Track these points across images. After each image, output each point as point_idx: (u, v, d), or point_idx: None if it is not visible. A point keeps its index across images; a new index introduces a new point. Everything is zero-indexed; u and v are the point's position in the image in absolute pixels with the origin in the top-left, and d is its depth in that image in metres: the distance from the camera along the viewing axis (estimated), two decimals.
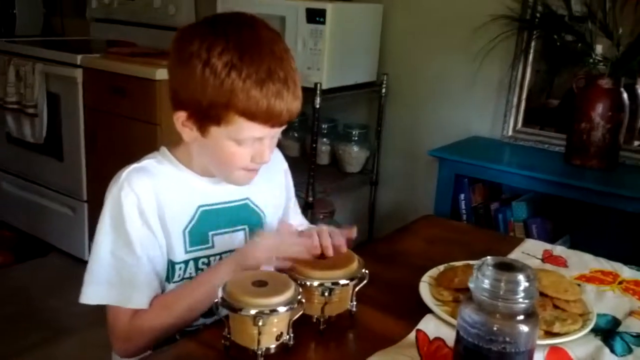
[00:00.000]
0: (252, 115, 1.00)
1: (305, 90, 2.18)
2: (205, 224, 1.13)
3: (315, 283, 0.99)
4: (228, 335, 0.94)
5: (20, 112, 2.88)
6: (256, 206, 1.20)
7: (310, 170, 2.29)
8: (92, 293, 1.06)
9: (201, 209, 1.13)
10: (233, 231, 1.16)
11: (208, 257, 1.14)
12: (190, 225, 1.11)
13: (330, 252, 1.05)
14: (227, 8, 2.37)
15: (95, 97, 2.70)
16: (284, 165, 1.30)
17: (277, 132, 1.08)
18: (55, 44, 3.08)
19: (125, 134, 2.59)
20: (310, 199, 2.29)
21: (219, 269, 1.07)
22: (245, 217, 1.18)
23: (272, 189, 1.25)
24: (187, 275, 1.12)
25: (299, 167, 2.42)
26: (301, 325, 0.97)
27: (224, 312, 0.92)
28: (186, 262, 1.11)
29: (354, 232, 1.10)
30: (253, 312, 0.89)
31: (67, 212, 2.93)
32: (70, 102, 2.77)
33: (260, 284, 0.94)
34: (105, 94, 2.64)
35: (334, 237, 1.06)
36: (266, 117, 1.01)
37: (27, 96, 2.83)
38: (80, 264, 2.82)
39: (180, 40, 1.04)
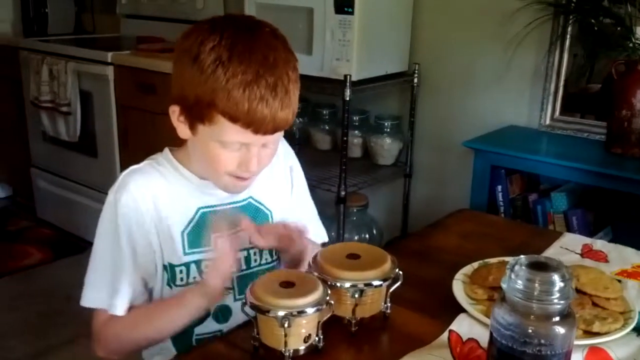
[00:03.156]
0: (233, 117, 0.97)
1: (334, 82, 2.19)
2: (207, 226, 1.10)
3: (347, 284, 0.97)
4: (257, 336, 0.93)
5: (55, 110, 2.93)
6: (260, 204, 1.17)
7: (342, 164, 2.26)
8: (91, 296, 1.08)
9: (201, 210, 1.10)
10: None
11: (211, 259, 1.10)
12: (190, 228, 1.09)
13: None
14: (254, 1, 2.36)
15: (127, 94, 2.72)
16: (290, 161, 1.25)
17: (266, 141, 1.03)
18: (86, 42, 3.13)
19: (156, 130, 2.59)
20: (343, 192, 2.27)
21: (184, 299, 1.04)
22: (250, 216, 1.14)
23: (277, 185, 1.21)
24: (190, 279, 1.10)
25: (331, 161, 2.41)
26: (333, 327, 0.95)
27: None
28: (187, 265, 1.09)
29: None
30: (280, 313, 0.87)
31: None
32: (103, 100, 2.80)
33: (288, 284, 0.93)
34: (136, 90, 2.66)
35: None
36: (247, 121, 0.97)
37: (61, 95, 2.87)
38: None
39: (182, 37, 1.03)
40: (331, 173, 2.34)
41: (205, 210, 1.11)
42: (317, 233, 1.27)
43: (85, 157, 2.97)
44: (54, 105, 2.92)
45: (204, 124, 1.00)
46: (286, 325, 0.87)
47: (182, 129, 1.05)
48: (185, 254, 1.09)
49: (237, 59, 0.96)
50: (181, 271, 1.09)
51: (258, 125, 0.98)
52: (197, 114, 1.00)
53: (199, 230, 1.10)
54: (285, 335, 0.89)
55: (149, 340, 1.09)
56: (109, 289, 1.06)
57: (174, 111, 1.04)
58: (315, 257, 1.03)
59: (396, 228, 2.62)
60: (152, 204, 1.06)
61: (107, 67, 2.72)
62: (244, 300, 0.93)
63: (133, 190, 1.05)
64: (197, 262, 1.10)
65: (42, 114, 3.01)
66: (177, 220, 1.08)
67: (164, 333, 1.08)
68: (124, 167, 2.99)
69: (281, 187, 1.22)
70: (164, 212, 1.07)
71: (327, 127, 2.63)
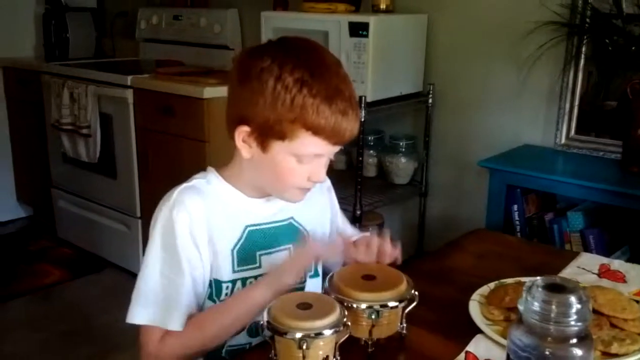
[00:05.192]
0: (319, 131, 1.02)
1: None
2: (253, 244, 1.13)
3: (363, 305, 0.97)
4: (274, 357, 0.94)
5: (75, 132, 2.98)
6: (300, 225, 1.20)
7: (357, 183, 2.27)
8: (140, 313, 1.08)
9: (248, 228, 1.13)
10: (278, 251, 1.16)
11: (256, 277, 1.13)
12: (239, 245, 1.12)
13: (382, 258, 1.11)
14: (271, 26, 2.40)
15: (146, 117, 2.76)
16: (327, 182, 1.30)
17: (335, 151, 1.09)
18: (106, 66, 3.18)
19: (175, 152, 2.63)
20: (358, 211, 2.28)
21: (253, 292, 1.07)
22: (290, 236, 1.18)
23: (316, 208, 1.24)
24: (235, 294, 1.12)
25: (346, 180, 2.42)
26: (350, 348, 0.95)
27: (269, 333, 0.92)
28: (233, 282, 1.12)
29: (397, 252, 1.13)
30: (298, 335, 0.88)
31: (122, 229, 3.00)
32: (122, 122, 2.84)
33: (305, 306, 0.94)
34: (155, 113, 2.69)
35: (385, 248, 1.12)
36: (331, 134, 1.03)
37: (81, 117, 2.92)
38: (134, 279, 2.86)
39: (248, 58, 1.07)
40: (347, 192, 2.35)
41: (252, 228, 1.13)
42: (353, 233, 1.33)
43: (105, 178, 3.01)
44: (75, 128, 2.96)
45: (283, 140, 1.04)
46: (304, 347, 0.88)
47: (248, 149, 1.08)
48: (234, 271, 1.12)
49: (319, 77, 1.02)
50: (227, 287, 1.11)
51: (339, 138, 1.05)
52: (278, 132, 1.03)
53: (247, 248, 1.13)
54: (304, 357, 0.89)
55: (216, 341, 1.10)
56: (163, 306, 1.06)
57: (242, 132, 1.06)
58: (331, 278, 1.04)
59: (412, 247, 2.62)
60: (205, 222, 1.08)
61: (126, 90, 2.76)
62: (261, 322, 0.94)
63: (190, 208, 1.07)
64: (244, 280, 1.12)
65: (63, 136, 3.06)
66: (228, 238, 1.11)
67: (231, 331, 1.09)
68: (142, 188, 3.05)
69: (319, 209, 1.26)
70: (215, 230, 1.09)
71: (342, 147, 2.64)
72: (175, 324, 1.06)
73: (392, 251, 1.14)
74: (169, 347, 1.07)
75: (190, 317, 1.08)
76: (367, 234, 1.19)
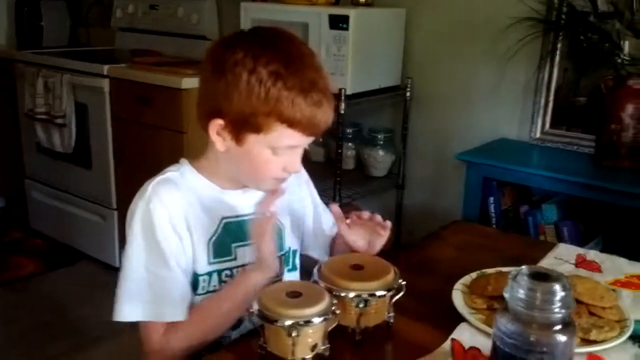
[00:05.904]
0: (295, 124, 1.02)
1: None
2: (229, 236, 1.13)
3: (351, 294, 0.99)
4: (264, 345, 0.95)
5: (49, 122, 2.93)
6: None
7: (336, 176, 2.29)
8: (128, 310, 1.06)
9: (224, 220, 1.13)
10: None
11: (231, 269, 1.13)
12: (215, 237, 1.11)
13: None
14: (250, 17, 2.39)
15: (122, 107, 2.74)
16: (305, 175, 1.31)
17: (310, 141, 1.09)
18: (81, 55, 3.12)
19: (152, 143, 2.62)
20: (337, 204, 2.29)
21: (247, 277, 1.07)
22: None
23: (293, 201, 1.25)
24: (210, 287, 1.12)
25: (325, 173, 2.43)
26: (338, 336, 0.97)
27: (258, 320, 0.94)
28: (209, 274, 1.12)
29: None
30: (288, 323, 0.90)
31: (97, 220, 2.97)
32: (98, 112, 2.81)
33: (295, 294, 0.95)
34: (132, 103, 2.67)
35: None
36: (307, 126, 1.03)
37: (56, 107, 2.88)
38: (110, 271, 2.86)
39: (221, 49, 1.05)
40: (325, 185, 2.36)
41: (228, 220, 1.13)
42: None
43: (80, 168, 2.98)
44: (49, 117, 2.92)
45: (258, 133, 1.03)
46: (294, 334, 0.89)
47: (222, 142, 1.07)
48: (209, 263, 1.11)
49: (293, 69, 1.01)
50: (204, 280, 1.11)
51: (315, 129, 1.04)
52: (253, 125, 1.03)
53: (222, 240, 1.12)
54: (293, 345, 0.91)
55: (217, 330, 1.10)
56: (154, 299, 1.05)
57: (216, 125, 1.05)
58: (320, 268, 1.06)
59: (388, 238, 2.64)
60: (182, 214, 1.08)
61: (102, 80, 2.73)
62: (251, 310, 0.95)
63: (166, 201, 1.07)
64: (219, 272, 1.12)
65: (37, 125, 3.01)
66: (204, 230, 1.10)
67: (231, 319, 1.09)
68: (118, 178, 3.01)
69: (297, 202, 1.26)
70: (192, 223, 1.09)
71: (320, 139, 2.65)
72: (175, 315, 1.06)
73: (384, 222, 1.19)
74: (172, 340, 1.06)
75: (189, 308, 1.07)
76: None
